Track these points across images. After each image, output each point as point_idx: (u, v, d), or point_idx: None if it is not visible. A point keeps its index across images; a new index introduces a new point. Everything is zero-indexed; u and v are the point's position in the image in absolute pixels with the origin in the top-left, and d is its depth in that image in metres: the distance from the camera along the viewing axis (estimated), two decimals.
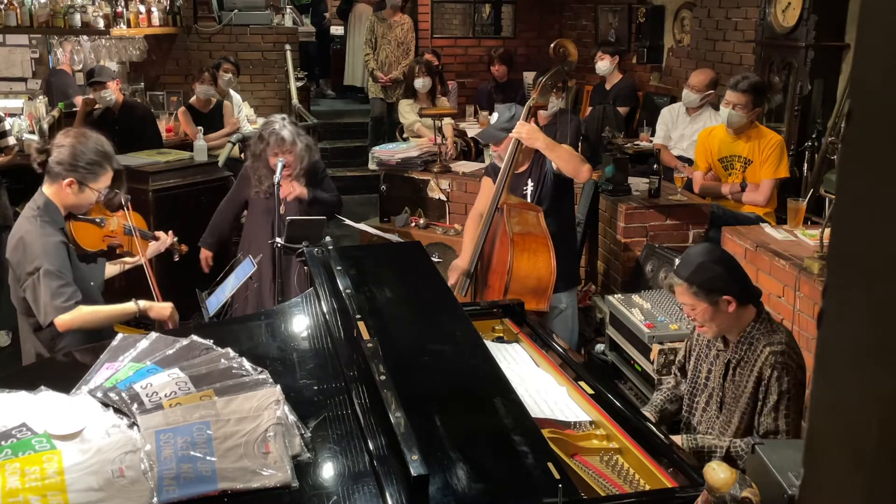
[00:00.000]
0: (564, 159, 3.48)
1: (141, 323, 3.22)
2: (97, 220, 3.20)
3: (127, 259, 3.32)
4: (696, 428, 2.72)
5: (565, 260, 3.53)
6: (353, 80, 10.58)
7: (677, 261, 2.67)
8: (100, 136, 2.98)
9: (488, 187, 3.76)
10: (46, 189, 2.89)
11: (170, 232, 3.45)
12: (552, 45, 3.70)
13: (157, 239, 3.43)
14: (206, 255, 4.22)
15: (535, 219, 3.47)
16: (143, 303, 2.94)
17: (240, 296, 3.87)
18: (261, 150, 3.98)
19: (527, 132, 3.46)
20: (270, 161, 3.93)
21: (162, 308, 2.98)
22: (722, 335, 2.64)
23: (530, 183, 3.70)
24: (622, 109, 6.77)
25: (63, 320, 2.75)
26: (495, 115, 3.83)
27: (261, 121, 7.17)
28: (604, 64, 6.93)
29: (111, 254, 3.29)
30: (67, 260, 2.84)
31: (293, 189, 3.92)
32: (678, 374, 2.88)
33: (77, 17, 6.54)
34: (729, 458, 2.45)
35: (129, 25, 6.89)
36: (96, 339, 2.67)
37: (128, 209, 3.22)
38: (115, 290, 3.29)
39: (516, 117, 3.58)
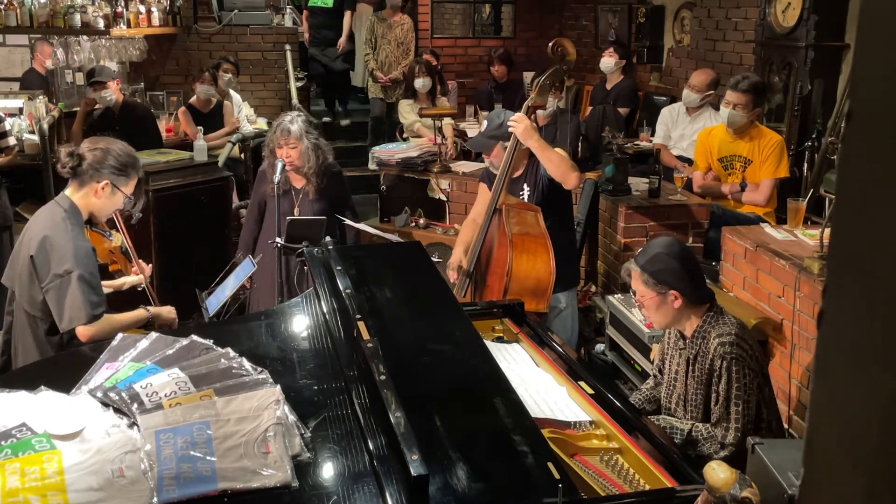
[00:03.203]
0: (554, 163, 3.45)
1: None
2: (106, 233, 3.20)
3: (124, 280, 3.30)
4: None
5: (564, 260, 3.52)
6: (353, 80, 10.56)
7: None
8: (126, 143, 3.03)
9: (484, 194, 3.75)
10: (72, 193, 2.89)
11: (150, 265, 3.38)
12: (550, 45, 3.68)
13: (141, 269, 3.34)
14: None
15: (534, 219, 3.46)
16: (152, 309, 3.03)
17: (239, 296, 3.87)
18: (273, 145, 3.98)
19: (523, 128, 3.42)
20: (277, 154, 3.94)
21: (168, 312, 3.08)
22: (672, 329, 2.72)
23: (526, 188, 3.69)
24: (622, 110, 6.77)
25: (88, 329, 2.73)
26: (484, 124, 3.81)
27: (261, 121, 7.19)
28: (609, 61, 6.92)
29: (105, 269, 3.29)
30: (97, 268, 2.84)
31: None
32: (658, 374, 2.91)
33: (77, 17, 6.54)
34: (691, 441, 2.49)
35: (129, 25, 6.88)
36: None
37: (124, 231, 3.22)
38: (110, 299, 3.27)
39: (505, 124, 3.55)
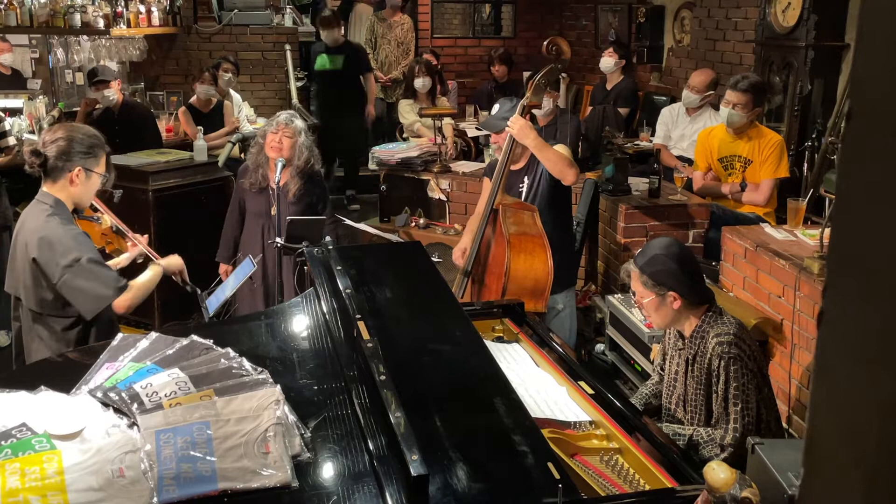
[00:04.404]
0: (552, 160, 3.46)
1: (141, 323, 3.21)
2: (95, 218, 3.21)
3: (122, 259, 3.31)
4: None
5: (561, 260, 3.52)
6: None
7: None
8: (83, 124, 3.04)
9: (488, 188, 3.75)
10: (50, 189, 2.88)
11: (145, 236, 3.40)
12: (545, 44, 3.68)
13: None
14: (225, 269, 4.16)
15: (530, 219, 3.46)
16: (161, 261, 3.15)
17: (238, 296, 3.87)
18: (268, 129, 3.97)
19: (518, 128, 3.43)
20: (268, 140, 3.92)
21: (174, 259, 3.19)
22: (672, 329, 2.72)
23: (525, 181, 3.69)
24: (622, 110, 6.77)
25: (124, 299, 2.84)
26: (496, 107, 3.82)
27: (261, 120, 7.19)
28: (609, 61, 6.92)
29: (103, 252, 3.29)
30: (97, 250, 2.90)
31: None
32: (661, 372, 2.92)
33: (77, 17, 6.54)
34: (692, 446, 2.49)
35: (129, 25, 6.88)
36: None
37: (106, 210, 3.22)
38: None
39: (516, 108, 3.57)
